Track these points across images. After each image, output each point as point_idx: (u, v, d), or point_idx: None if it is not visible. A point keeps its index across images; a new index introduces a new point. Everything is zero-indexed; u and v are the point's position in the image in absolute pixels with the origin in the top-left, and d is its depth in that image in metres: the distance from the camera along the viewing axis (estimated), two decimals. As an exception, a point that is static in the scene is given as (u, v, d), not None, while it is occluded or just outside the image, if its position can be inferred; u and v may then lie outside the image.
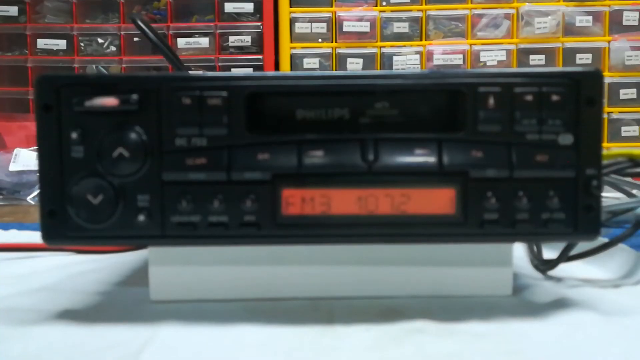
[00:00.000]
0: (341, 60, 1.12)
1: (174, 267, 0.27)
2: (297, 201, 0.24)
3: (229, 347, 0.22)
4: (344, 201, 0.24)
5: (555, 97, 0.24)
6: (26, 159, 0.86)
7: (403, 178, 0.24)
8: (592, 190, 0.24)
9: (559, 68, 0.25)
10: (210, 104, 0.24)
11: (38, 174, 0.24)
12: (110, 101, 0.24)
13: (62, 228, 0.24)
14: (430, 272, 0.28)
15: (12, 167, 0.81)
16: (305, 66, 1.11)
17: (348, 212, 0.24)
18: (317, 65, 1.11)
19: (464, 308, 0.25)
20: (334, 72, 0.27)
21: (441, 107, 0.24)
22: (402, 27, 1.12)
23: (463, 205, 0.24)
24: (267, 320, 0.24)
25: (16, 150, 0.87)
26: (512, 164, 0.24)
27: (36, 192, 0.77)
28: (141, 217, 0.24)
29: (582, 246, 0.30)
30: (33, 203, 0.74)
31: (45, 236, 0.24)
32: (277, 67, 1.09)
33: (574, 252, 0.30)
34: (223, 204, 0.24)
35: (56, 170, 0.24)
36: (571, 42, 1.12)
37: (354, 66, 1.11)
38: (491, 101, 0.24)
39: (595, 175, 0.24)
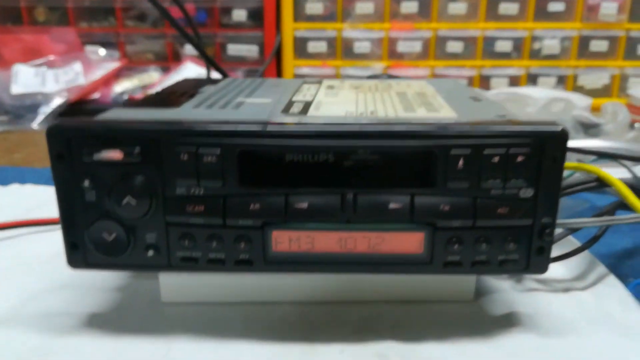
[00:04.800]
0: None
1: (181, 275, 0.32)
2: (285, 240, 0.27)
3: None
4: (326, 241, 0.28)
5: (520, 158, 0.26)
6: (26, 78, 0.86)
7: (378, 226, 0.27)
8: (546, 236, 0.28)
9: (528, 127, 0.27)
10: (205, 160, 0.26)
11: (59, 212, 0.27)
12: (115, 154, 0.26)
13: (84, 257, 0.28)
14: (399, 281, 0.32)
15: (14, 90, 0.82)
16: (310, 50, 1.01)
17: (330, 250, 0.28)
18: (324, 49, 1.02)
19: (426, 327, 0.30)
20: (318, 130, 0.28)
21: (416, 163, 0.27)
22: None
23: (430, 247, 0.27)
24: (258, 337, 0.29)
25: (15, 68, 0.87)
26: (476, 215, 0.27)
27: (42, 118, 0.79)
28: (150, 252, 0.28)
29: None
30: (39, 129, 0.76)
31: (70, 263, 0.28)
32: (279, 49, 1.00)
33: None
34: (220, 244, 0.27)
35: (73, 210, 0.27)
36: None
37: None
38: (461, 162, 0.26)
39: (550, 223, 0.27)
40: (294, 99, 0.36)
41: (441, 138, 0.26)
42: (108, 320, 0.30)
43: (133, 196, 0.27)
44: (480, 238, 0.27)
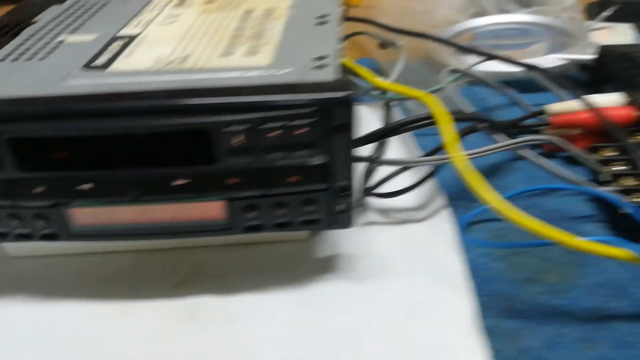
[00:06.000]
0: None
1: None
2: (83, 216, 0.27)
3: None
4: (126, 214, 0.28)
5: (302, 130, 0.25)
6: None
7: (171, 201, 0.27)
8: (344, 197, 0.27)
9: (309, 95, 0.25)
10: (-29, 147, 0.25)
11: None
12: None
13: None
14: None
15: None
16: None
17: (131, 221, 0.28)
18: None
19: (250, 274, 0.31)
20: (86, 108, 0.25)
21: (193, 140, 0.25)
22: None
23: (229, 214, 0.27)
24: (83, 294, 0.30)
25: None
26: (264, 186, 0.26)
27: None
28: (-43, 227, 0.28)
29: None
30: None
31: None
32: None
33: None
34: (21, 222, 0.27)
35: None
36: None
37: None
38: (238, 139, 0.25)
39: (347, 185, 0.27)
40: (122, 32, 0.33)
41: (212, 114, 0.24)
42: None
43: None
44: (276, 204, 0.27)
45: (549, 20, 0.55)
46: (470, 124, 0.33)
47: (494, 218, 0.33)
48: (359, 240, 0.33)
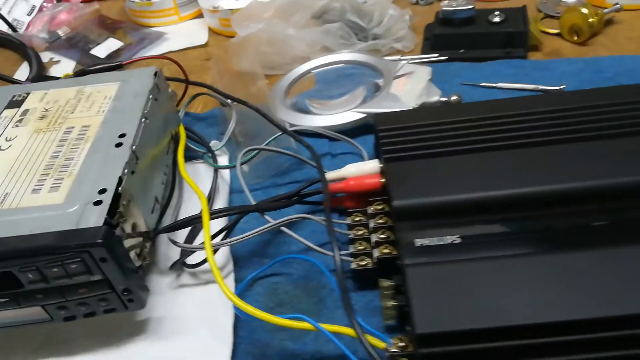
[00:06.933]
0: None
1: None
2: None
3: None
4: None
5: (75, 264, 0.35)
6: None
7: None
8: (128, 293, 0.38)
9: (74, 241, 0.34)
10: None
11: None
12: None
13: None
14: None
15: None
16: None
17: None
18: None
19: (88, 339, 0.42)
20: None
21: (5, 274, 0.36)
22: None
23: (48, 312, 0.38)
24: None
25: None
26: (64, 296, 0.37)
27: None
28: None
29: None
30: None
31: None
32: None
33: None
34: None
35: None
36: None
37: None
38: (31, 275, 0.35)
39: (125, 287, 0.38)
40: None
41: (8, 260, 0.35)
42: None
43: None
44: (79, 303, 0.38)
45: (372, 61, 0.63)
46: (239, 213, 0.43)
47: (271, 274, 0.45)
48: (171, 303, 0.44)
